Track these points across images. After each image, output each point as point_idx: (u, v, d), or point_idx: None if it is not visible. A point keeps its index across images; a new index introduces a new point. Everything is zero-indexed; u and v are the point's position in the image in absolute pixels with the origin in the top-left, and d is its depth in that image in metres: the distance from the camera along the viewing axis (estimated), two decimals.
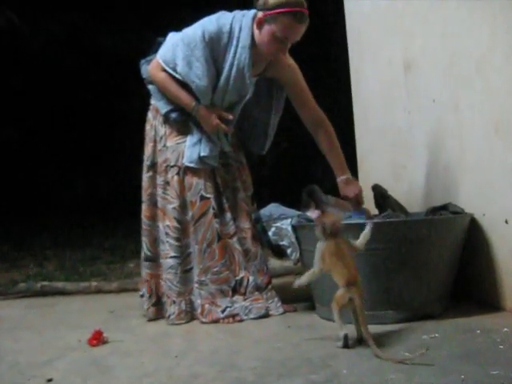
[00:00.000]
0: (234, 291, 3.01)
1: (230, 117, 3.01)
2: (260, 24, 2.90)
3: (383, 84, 3.81)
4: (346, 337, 2.30)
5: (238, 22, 2.94)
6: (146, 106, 3.23)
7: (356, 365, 2.07)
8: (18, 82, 9.91)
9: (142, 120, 3.25)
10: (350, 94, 4.22)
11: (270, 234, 2.98)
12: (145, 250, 3.15)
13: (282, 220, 2.95)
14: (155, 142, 3.13)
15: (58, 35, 9.29)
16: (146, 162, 3.16)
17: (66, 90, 10.23)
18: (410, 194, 3.47)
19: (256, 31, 2.93)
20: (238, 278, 3.02)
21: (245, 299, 2.98)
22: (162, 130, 3.10)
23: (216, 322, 2.88)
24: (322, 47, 8.59)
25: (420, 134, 3.37)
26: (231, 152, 3.15)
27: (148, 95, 3.17)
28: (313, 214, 3.01)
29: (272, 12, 2.83)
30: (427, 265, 2.69)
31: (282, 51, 2.96)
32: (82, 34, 9.52)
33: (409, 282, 2.65)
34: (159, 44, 3.12)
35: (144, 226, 3.15)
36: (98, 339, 2.60)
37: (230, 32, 2.93)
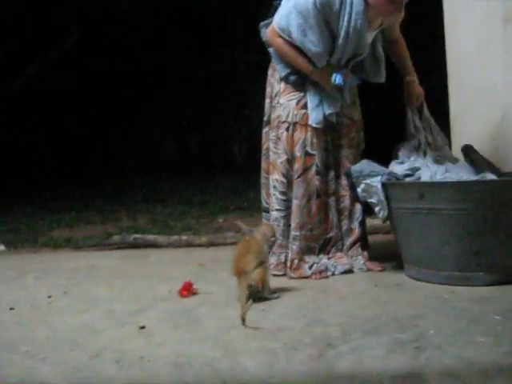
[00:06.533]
0: (320, 250, 3.07)
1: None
2: None
3: (480, 38, 3.65)
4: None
5: None
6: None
7: (443, 326, 2.05)
8: (104, 48, 10.14)
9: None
10: (444, 49, 4.07)
11: (358, 190, 2.94)
12: (262, 201, 3.27)
13: (371, 177, 2.90)
14: (271, 98, 3.21)
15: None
16: (264, 118, 3.25)
17: (149, 54, 10.39)
18: (505, 154, 3.34)
19: None
20: (328, 236, 3.09)
21: (329, 258, 3.05)
22: (278, 87, 3.16)
23: (304, 277, 2.92)
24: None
25: None
26: (343, 108, 3.14)
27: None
28: None
29: None
30: None
31: (398, 10, 2.87)
32: None
33: (501, 244, 2.58)
34: (275, 8, 3.12)
35: (262, 179, 3.27)
36: (188, 290, 2.68)
37: None
